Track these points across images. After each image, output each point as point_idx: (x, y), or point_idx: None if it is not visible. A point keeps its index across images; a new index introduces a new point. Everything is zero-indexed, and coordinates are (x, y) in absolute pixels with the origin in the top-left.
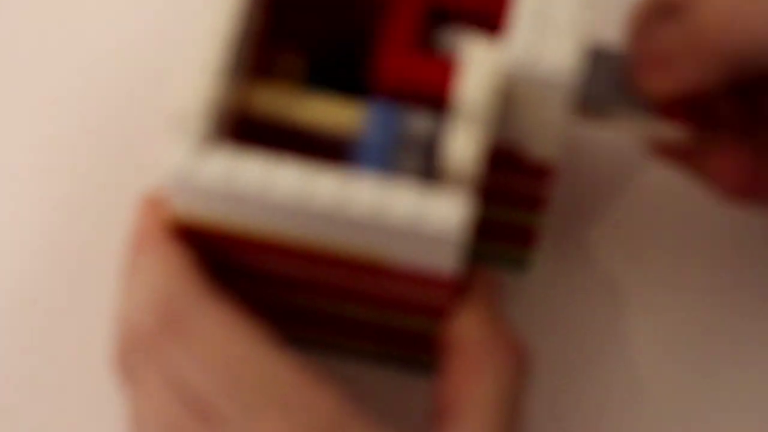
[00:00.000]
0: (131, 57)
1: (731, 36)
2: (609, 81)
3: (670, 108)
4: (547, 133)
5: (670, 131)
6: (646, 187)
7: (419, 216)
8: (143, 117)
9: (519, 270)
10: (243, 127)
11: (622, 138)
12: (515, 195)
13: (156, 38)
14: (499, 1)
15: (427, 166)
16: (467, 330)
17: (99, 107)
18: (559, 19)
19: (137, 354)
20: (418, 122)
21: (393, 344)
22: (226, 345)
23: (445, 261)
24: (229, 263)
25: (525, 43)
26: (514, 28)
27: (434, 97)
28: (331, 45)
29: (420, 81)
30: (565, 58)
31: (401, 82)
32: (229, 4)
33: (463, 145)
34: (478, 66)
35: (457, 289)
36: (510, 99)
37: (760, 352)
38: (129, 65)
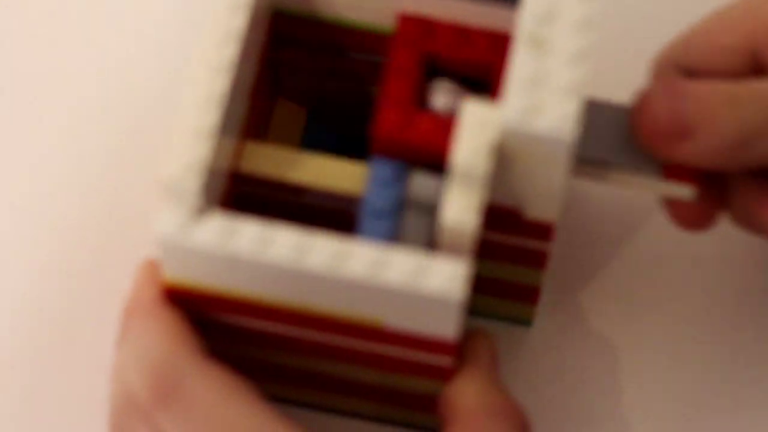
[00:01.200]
0: (129, 114)
1: None
2: (607, 137)
3: (676, 167)
4: (549, 193)
5: (676, 190)
6: (643, 245)
7: (417, 278)
8: (141, 181)
9: (521, 325)
10: (239, 188)
11: (620, 193)
12: (515, 252)
13: (153, 92)
14: (494, 60)
15: (432, 231)
16: (467, 398)
17: (88, 171)
18: (558, 76)
19: (132, 421)
20: (421, 183)
21: (393, 405)
22: (223, 411)
23: (444, 323)
24: (223, 327)
25: (523, 102)
26: (511, 86)
27: (431, 156)
28: (335, 104)
29: (415, 139)
30: (564, 116)
31: (396, 139)
32: (220, 62)
33: (460, 206)
34: (474, 126)
35: (457, 350)
36: (509, 158)
37: (755, 413)
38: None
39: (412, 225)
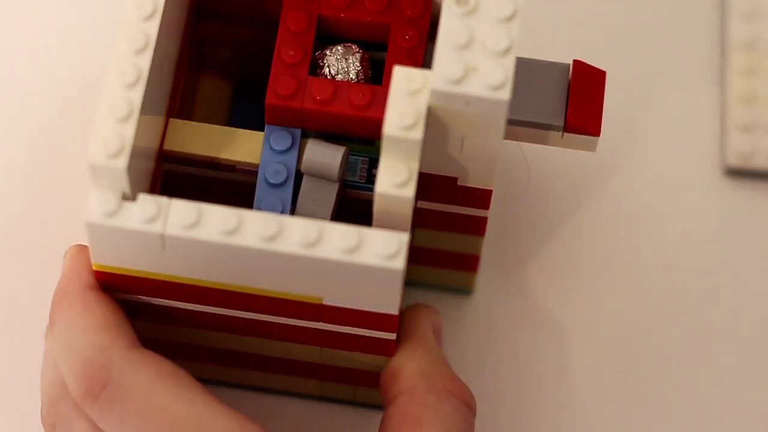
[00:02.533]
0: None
1: None
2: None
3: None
4: (485, 158)
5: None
6: (585, 216)
7: (356, 250)
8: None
9: (462, 294)
10: (168, 167)
11: (569, 160)
12: (453, 221)
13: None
14: (388, 21)
15: (331, 200)
16: (409, 374)
17: (23, 154)
18: (490, 36)
19: (65, 412)
20: (315, 151)
21: (336, 382)
22: (158, 399)
23: (384, 296)
24: (157, 313)
25: (454, 63)
26: (441, 48)
27: (325, 124)
28: (262, 77)
29: (308, 106)
30: (499, 76)
31: (288, 107)
32: (142, 40)
33: (395, 175)
34: (405, 91)
35: (398, 324)
36: (443, 124)
37: (697, 382)
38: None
39: (309, 195)
